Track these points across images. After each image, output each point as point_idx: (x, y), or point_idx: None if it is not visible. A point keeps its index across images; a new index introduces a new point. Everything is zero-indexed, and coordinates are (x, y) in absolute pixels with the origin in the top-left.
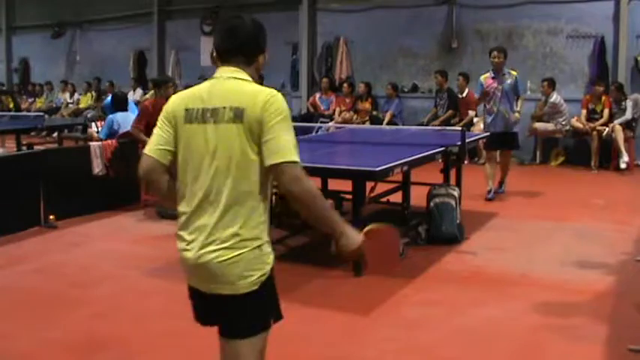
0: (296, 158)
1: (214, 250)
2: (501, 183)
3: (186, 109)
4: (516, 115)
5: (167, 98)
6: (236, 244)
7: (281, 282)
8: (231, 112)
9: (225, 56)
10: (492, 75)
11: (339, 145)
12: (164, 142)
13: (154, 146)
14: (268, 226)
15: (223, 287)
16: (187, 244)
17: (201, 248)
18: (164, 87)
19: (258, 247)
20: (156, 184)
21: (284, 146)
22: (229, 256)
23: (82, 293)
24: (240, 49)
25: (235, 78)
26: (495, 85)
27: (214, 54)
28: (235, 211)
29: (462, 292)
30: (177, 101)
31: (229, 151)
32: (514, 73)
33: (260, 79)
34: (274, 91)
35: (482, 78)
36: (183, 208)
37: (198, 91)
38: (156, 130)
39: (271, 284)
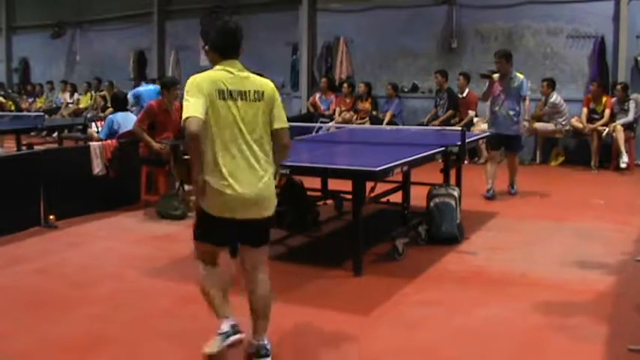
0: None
1: (265, 186)
2: (512, 184)
3: (217, 90)
4: (525, 123)
5: (174, 99)
6: (271, 179)
7: (281, 282)
8: (255, 94)
9: (227, 53)
10: (500, 77)
11: (339, 145)
12: (203, 110)
13: (201, 112)
14: None
15: (265, 211)
16: (235, 185)
17: (252, 187)
18: (173, 88)
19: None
20: (199, 142)
21: (284, 117)
22: (271, 189)
23: (82, 293)
24: (238, 47)
25: (243, 70)
26: (501, 88)
27: (209, 50)
28: (265, 159)
29: (462, 292)
30: (207, 83)
31: (256, 119)
32: (521, 76)
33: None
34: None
35: (494, 78)
36: (221, 161)
37: (217, 77)
38: (195, 100)
39: None
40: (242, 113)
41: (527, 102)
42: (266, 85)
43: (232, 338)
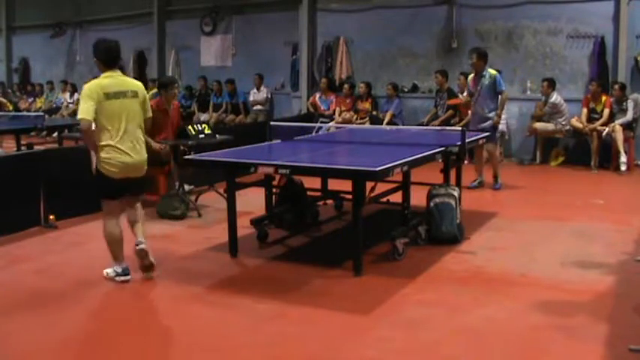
0: None
1: (141, 155)
2: (495, 179)
3: (105, 93)
4: (495, 118)
5: (172, 98)
6: (143, 151)
7: (281, 282)
8: (131, 93)
9: (112, 63)
10: (474, 76)
11: (339, 145)
12: (92, 111)
13: (91, 114)
14: None
15: (142, 172)
16: (126, 156)
17: (136, 155)
18: (170, 87)
19: None
20: (92, 135)
21: (149, 108)
22: (145, 157)
23: (82, 293)
24: (118, 59)
25: (122, 75)
26: (473, 86)
27: (97, 61)
28: (139, 136)
29: (462, 292)
30: (96, 88)
31: (134, 111)
32: (493, 72)
33: (260, 79)
34: None
35: (468, 78)
36: (111, 141)
37: (104, 83)
38: (88, 104)
39: None
40: (126, 107)
41: (504, 97)
42: (138, 85)
43: (123, 278)
